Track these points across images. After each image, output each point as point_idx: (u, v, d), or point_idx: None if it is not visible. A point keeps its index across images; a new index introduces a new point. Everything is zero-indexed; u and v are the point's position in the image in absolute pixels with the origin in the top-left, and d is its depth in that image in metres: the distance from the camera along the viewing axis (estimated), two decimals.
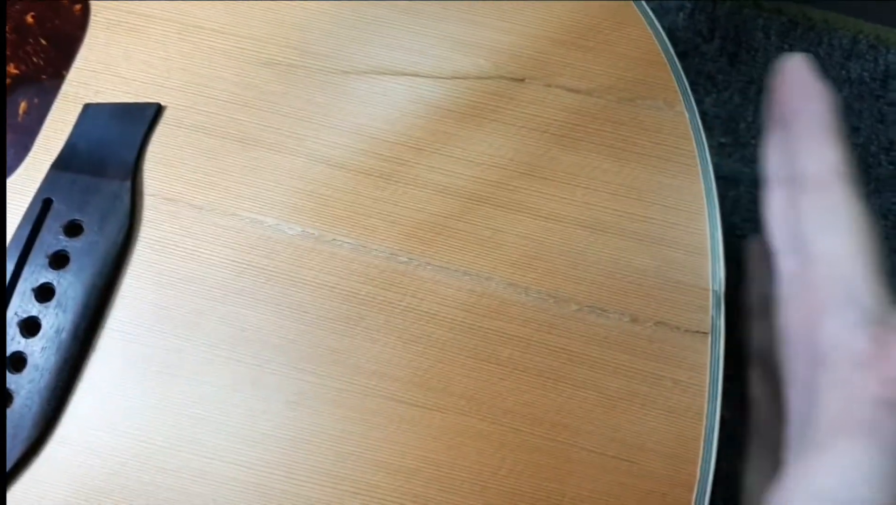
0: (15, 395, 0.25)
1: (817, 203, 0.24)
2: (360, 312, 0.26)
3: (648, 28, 0.30)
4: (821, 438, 0.21)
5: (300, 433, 0.24)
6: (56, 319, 0.25)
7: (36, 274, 0.26)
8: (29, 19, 0.31)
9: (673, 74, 0.29)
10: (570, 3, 0.30)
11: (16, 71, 0.30)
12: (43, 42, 0.30)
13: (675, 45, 0.30)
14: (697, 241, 0.27)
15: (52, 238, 0.27)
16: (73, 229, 0.27)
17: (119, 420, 0.25)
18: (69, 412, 0.25)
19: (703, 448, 0.24)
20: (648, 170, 0.27)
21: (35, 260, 0.26)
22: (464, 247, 0.27)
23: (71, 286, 0.26)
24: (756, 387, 0.28)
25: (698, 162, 0.28)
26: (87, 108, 0.29)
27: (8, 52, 0.30)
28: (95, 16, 0.31)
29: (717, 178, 0.36)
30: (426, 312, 0.26)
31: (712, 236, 0.27)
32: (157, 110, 0.29)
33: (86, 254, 0.26)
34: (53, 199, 0.27)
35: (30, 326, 0.26)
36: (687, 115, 0.28)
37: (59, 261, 0.26)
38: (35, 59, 0.30)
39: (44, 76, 0.30)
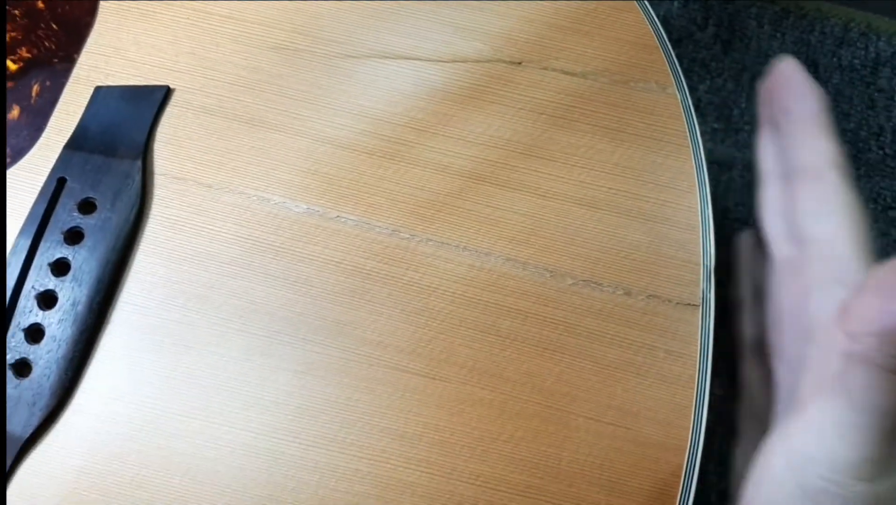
0: (34, 365, 0.26)
1: (811, 191, 0.25)
2: (365, 286, 0.27)
3: (642, 13, 0.31)
4: (801, 401, 0.22)
5: (308, 401, 0.25)
6: (72, 293, 0.26)
7: (52, 249, 0.27)
8: (40, 4, 0.32)
9: (665, 58, 0.30)
10: None
11: (28, 55, 0.31)
12: (54, 27, 0.31)
13: (669, 33, 0.31)
14: (688, 217, 0.28)
15: (66, 215, 0.27)
16: (86, 207, 0.28)
17: (133, 389, 0.26)
18: (85, 381, 0.26)
19: (694, 415, 0.25)
20: (642, 150, 0.28)
21: (51, 236, 0.27)
22: (464, 223, 0.28)
23: (86, 261, 0.27)
24: (749, 373, 0.29)
25: (689, 142, 0.29)
26: (98, 90, 0.30)
27: (20, 37, 0.31)
28: (105, 1, 0.31)
29: (711, 162, 0.37)
30: (428, 286, 0.27)
31: (703, 213, 0.28)
32: (166, 92, 0.30)
33: (99, 230, 0.27)
34: (67, 177, 0.28)
35: (47, 299, 0.27)
36: (679, 97, 0.29)
37: (73, 237, 0.27)
38: (47, 44, 0.31)
39: (55, 60, 0.31)
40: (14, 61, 0.31)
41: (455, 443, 0.25)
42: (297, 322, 0.26)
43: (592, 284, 0.27)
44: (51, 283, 0.27)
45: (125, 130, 0.29)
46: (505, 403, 0.25)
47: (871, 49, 0.46)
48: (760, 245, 0.27)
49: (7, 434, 0.25)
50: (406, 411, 0.25)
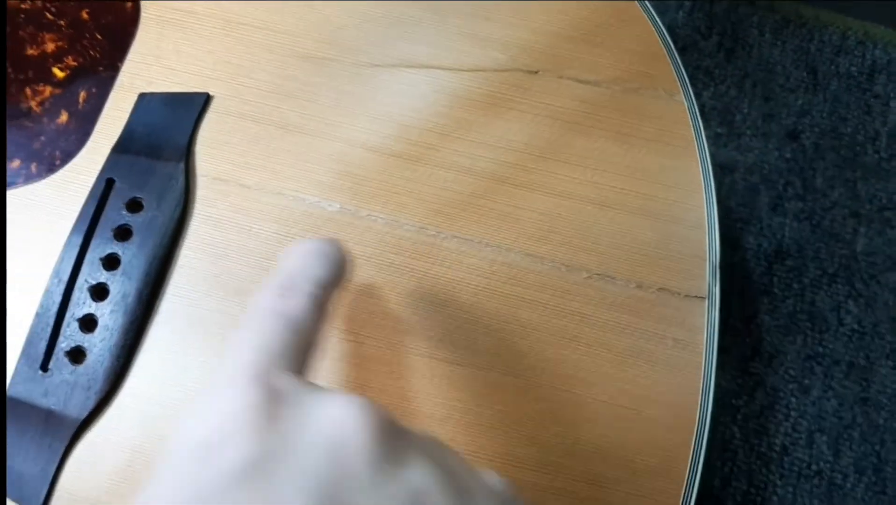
0: (88, 352, 0.28)
1: None
2: (394, 280, 0.29)
3: (650, 24, 0.33)
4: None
5: (344, 385, 0.27)
6: (122, 286, 0.28)
7: (103, 245, 0.29)
8: (84, 15, 0.34)
9: (673, 67, 0.32)
10: (578, 2, 0.33)
11: (74, 63, 0.33)
12: (98, 37, 0.33)
13: (674, 42, 0.33)
14: (696, 216, 0.30)
15: (115, 214, 0.29)
16: (134, 206, 0.30)
17: (180, 373, 0.28)
18: (136, 367, 0.28)
19: (701, 399, 0.27)
20: (651, 153, 0.31)
21: (101, 233, 0.29)
22: (485, 221, 0.30)
23: (135, 256, 0.29)
24: None
25: (696, 146, 0.31)
26: (142, 97, 0.32)
27: (66, 46, 0.33)
28: (145, 12, 0.33)
29: (714, 165, 0.39)
30: (453, 279, 0.29)
31: (709, 212, 0.30)
32: (206, 99, 0.32)
33: (147, 228, 0.29)
34: (115, 178, 0.30)
35: (99, 292, 0.29)
36: (686, 103, 0.31)
37: (122, 234, 0.29)
38: (91, 53, 0.33)
39: (100, 68, 0.33)
40: (61, 69, 0.33)
41: (480, 424, 0.27)
42: (331, 314, 0.28)
43: (606, 278, 0.29)
44: (102, 276, 0.29)
45: (168, 134, 0.31)
46: (525, 387, 0.27)
47: (868, 56, 0.48)
48: None
49: (64, 416, 0.27)
50: (434, 395, 0.27)
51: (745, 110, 0.47)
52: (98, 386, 0.28)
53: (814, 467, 0.39)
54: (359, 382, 0.27)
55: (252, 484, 0.16)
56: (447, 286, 0.29)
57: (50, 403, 0.27)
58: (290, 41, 0.33)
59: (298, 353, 0.20)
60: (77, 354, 0.28)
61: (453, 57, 0.32)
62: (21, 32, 0.33)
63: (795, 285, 0.42)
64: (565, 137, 0.31)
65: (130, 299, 0.28)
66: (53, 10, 0.34)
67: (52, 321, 0.28)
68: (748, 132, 0.46)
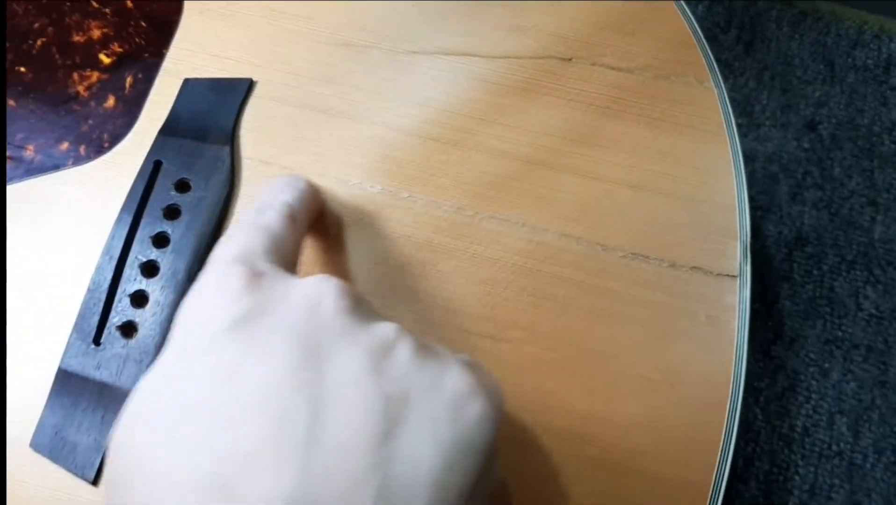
0: (139, 326, 0.29)
1: None
2: (434, 258, 0.30)
3: (680, 14, 0.34)
4: None
5: None
6: (172, 263, 0.29)
7: (153, 224, 0.30)
8: (129, 3, 0.35)
9: (702, 55, 0.33)
10: None
11: (120, 49, 0.34)
12: (143, 24, 0.34)
13: None
14: (726, 198, 0.31)
15: (164, 193, 0.30)
16: (182, 186, 0.31)
17: None
18: None
19: (734, 374, 0.28)
20: (682, 137, 0.31)
21: (151, 212, 0.30)
22: (522, 203, 0.31)
23: (184, 235, 0.30)
24: None
25: (726, 130, 0.32)
26: (187, 82, 0.33)
27: (111, 33, 0.34)
28: (189, 0, 0.34)
29: None
30: (490, 258, 0.30)
31: (739, 194, 0.31)
32: (249, 84, 0.33)
33: (195, 207, 0.30)
34: (163, 160, 0.31)
35: (150, 269, 0.30)
36: (715, 90, 0.32)
37: (171, 213, 0.30)
38: (137, 39, 0.34)
39: (146, 54, 0.34)
40: (107, 55, 0.34)
41: (520, 397, 0.28)
42: (375, 289, 0.29)
43: (640, 257, 0.30)
44: (153, 253, 0.30)
45: (214, 118, 0.32)
46: (563, 362, 0.28)
47: (884, 50, 0.49)
48: None
49: (117, 389, 0.28)
50: None
51: (765, 102, 0.48)
52: (149, 359, 0.28)
53: (834, 448, 0.40)
54: None
55: (239, 334, 0.19)
56: (485, 264, 0.30)
57: (103, 375, 0.28)
58: (330, 29, 0.33)
59: (277, 256, 0.23)
60: (128, 329, 0.29)
61: (489, 45, 0.33)
62: (67, 20, 0.34)
63: (815, 272, 0.43)
64: (598, 122, 0.32)
65: (180, 276, 0.29)
66: None
67: (103, 297, 0.29)
68: (767, 123, 0.47)
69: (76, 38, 0.34)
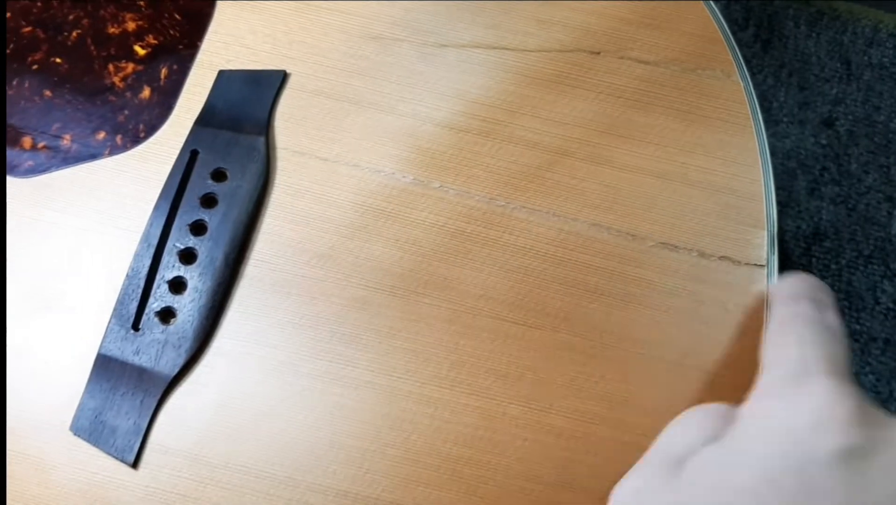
0: (178, 313, 0.29)
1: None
2: (466, 247, 0.30)
3: (706, 9, 0.34)
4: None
5: (421, 346, 0.29)
6: (210, 250, 0.30)
7: (190, 212, 0.31)
8: None
9: (728, 49, 0.33)
10: None
11: (154, 41, 0.35)
12: (177, 17, 0.35)
13: None
14: (753, 189, 0.31)
15: (201, 182, 0.31)
16: (218, 176, 0.31)
17: (265, 333, 0.29)
18: (223, 327, 0.29)
19: None
20: (710, 129, 0.32)
21: (188, 200, 0.31)
22: (553, 193, 0.31)
23: (221, 223, 0.30)
24: None
25: (752, 122, 0.32)
26: (222, 73, 0.33)
27: (146, 25, 0.35)
28: None
29: None
30: (522, 247, 0.30)
31: (766, 185, 0.31)
32: (283, 76, 0.33)
33: (231, 196, 0.31)
34: (199, 150, 0.32)
35: (187, 256, 0.30)
36: (742, 83, 0.33)
37: (208, 202, 0.31)
38: (171, 32, 0.35)
39: (180, 46, 0.34)
40: (142, 47, 0.34)
41: (551, 382, 0.29)
42: (408, 277, 0.30)
43: (670, 246, 0.30)
44: (190, 241, 0.30)
45: (248, 109, 0.32)
46: (595, 349, 0.29)
47: None
48: None
49: (155, 373, 0.29)
50: (507, 355, 0.29)
51: (782, 99, 0.48)
52: (188, 345, 0.29)
53: None
54: (434, 341, 0.29)
55: (851, 467, 0.18)
56: (517, 253, 0.30)
57: (142, 360, 0.29)
58: (362, 22, 0.34)
59: (846, 365, 0.22)
60: (167, 315, 0.29)
61: (518, 38, 0.34)
62: (102, 12, 0.35)
63: (833, 266, 0.44)
64: (627, 114, 0.32)
65: (218, 263, 0.30)
66: None
67: (142, 283, 0.30)
68: (785, 119, 0.48)
69: (111, 30, 0.35)
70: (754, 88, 0.49)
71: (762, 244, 0.30)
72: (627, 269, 0.30)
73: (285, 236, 0.31)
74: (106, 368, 0.29)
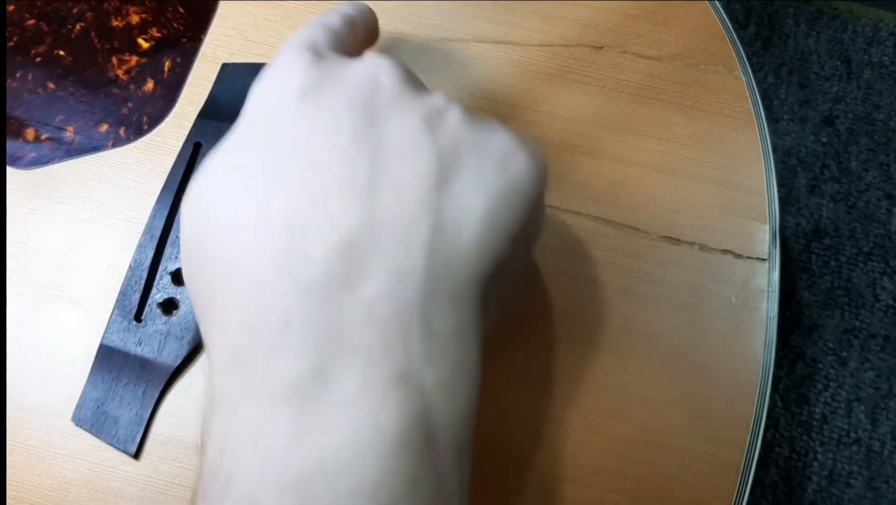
0: (180, 304, 0.29)
1: None
2: None
3: (709, 4, 0.34)
4: None
5: None
6: None
7: None
8: None
9: (731, 45, 0.34)
10: None
11: (158, 34, 0.35)
12: (181, 10, 0.35)
13: None
14: (755, 183, 0.31)
15: None
16: None
17: None
18: None
19: (764, 353, 0.29)
20: (712, 124, 0.32)
21: None
22: (556, 186, 0.31)
23: None
24: None
25: (755, 118, 0.32)
26: (226, 66, 0.33)
27: (150, 18, 0.35)
28: None
29: None
30: None
31: (768, 180, 0.31)
32: None
33: None
34: (203, 142, 0.32)
35: None
36: (744, 78, 0.33)
37: None
38: (175, 25, 0.35)
39: (184, 39, 0.34)
40: (146, 40, 0.34)
41: (554, 375, 0.29)
42: None
43: (672, 240, 0.30)
44: None
45: None
46: (597, 340, 0.29)
47: None
48: None
49: (158, 364, 0.29)
50: (509, 348, 0.29)
51: (783, 96, 0.48)
52: (190, 336, 0.29)
53: (853, 435, 0.40)
54: None
55: (307, 101, 0.21)
56: None
57: (144, 351, 0.29)
58: None
59: (339, 50, 0.24)
60: (169, 306, 0.29)
61: (522, 33, 0.34)
62: (106, 5, 0.35)
63: (833, 263, 0.44)
64: (630, 109, 0.32)
65: None
66: None
67: (145, 275, 0.30)
68: (785, 117, 0.48)
69: (115, 23, 0.35)
70: (755, 86, 0.49)
71: (764, 238, 0.30)
72: (630, 262, 0.30)
73: None
74: (108, 358, 0.29)
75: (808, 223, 0.45)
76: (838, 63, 0.49)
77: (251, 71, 0.33)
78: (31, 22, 0.35)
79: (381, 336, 0.18)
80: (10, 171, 0.32)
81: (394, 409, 0.18)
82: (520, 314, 0.29)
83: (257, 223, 0.19)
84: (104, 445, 0.28)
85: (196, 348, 0.29)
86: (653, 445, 0.28)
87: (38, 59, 0.34)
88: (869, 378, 0.42)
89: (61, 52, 0.34)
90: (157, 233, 0.30)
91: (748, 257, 0.30)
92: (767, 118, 0.48)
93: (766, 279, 0.30)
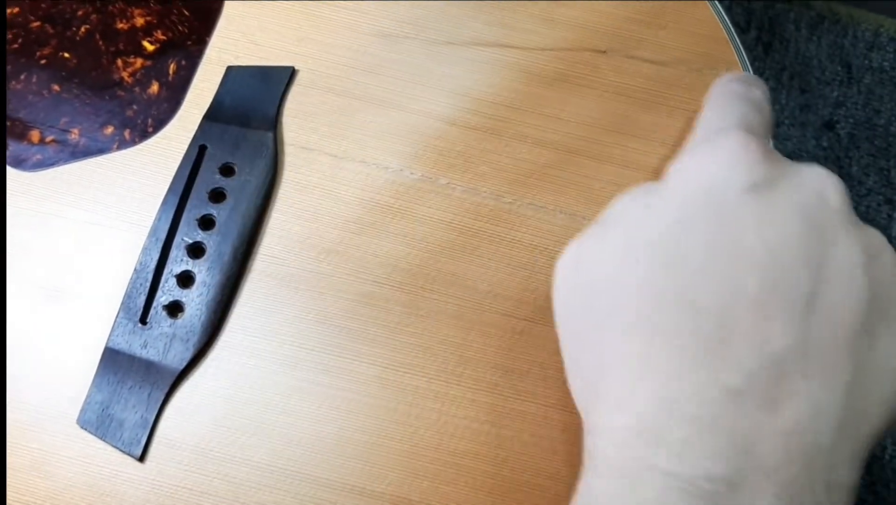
0: (186, 306, 0.29)
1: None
2: (473, 243, 0.31)
3: (712, 10, 0.34)
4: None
5: (428, 341, 0.29)
6: (218, 245, 0.30)
7: (198, 206, 0.31)
8: None
9: (734, 49, 0.34)
10: None
11: (163, 37, 0.35)
12: (185, 13, 0.35)
13: None
14: None
15: (210, 177, 0.31)
16: (227, 171, 0.31)
17: (272, 327, 0.29)
18: (231, 321, 0.29)
19: None
20: None
21: (197, 195, 0.31)
22: (560, 190, 0.31)
23: (229, 217, 0.30)
24: None
25: None
26: (230, 69, 0.33)
27: (154, 21, 0.35)
28: None
29: None
30: (529, 244, 0.31)
31: None
32: (291, 73, 0.33)
33: (240, 191, 0.31)
34: (208, 145, 0.32)
35: (196, 250, 0.30)
36: None
37: (217, 196, 0.31)
38: (180, 27, 0.35)
39: (188, 42, 0.34)
40: (151, 42, 0.34)
41: (558, 378, 0.29)
42: (416, 274, 0.30)
43: None
44: (199, 235, 0.30)
45: (257, 105, 0.33)
46: None
47: None
48: None
49: (163, 367, 0.29)
50: (514, 350, 0.29)
51: (783, 101, 0.49)
52: (196, 339, 0.29)
53: None
54: (441, 337, 0.29)
55: (755, 196, 0.20)
56: (524, 250, 0.30)
57: (149, 354, 0.29)
58: (370, 19, 0.34)
59: (767, 138, 0.24)
60: (175, 309, 0.30)
61: (525, 37, 0.34)
62: (111, 8, 0.35)
63: None
64: (634, 113, 0.33)
65: (227, 257, 0.30)
66: None
67: (150, 277, 0.30)
68: (786, 122, 0.48)
69: (120, 26, 0.35)
70: None
71: None
72: None
73: (293, 232, 0.31)
74: (113, 361, 0.29)
75: None
76: (839, 68, 0.49)
77: (256, 73, 0.33)
78: (36, 24, 0.35)
79: (794, 470, 0.18)
80: (15, 174, 0.32)
81: None
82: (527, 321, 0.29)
83: (691, 300, 0.19)
84: (109, 448, 0.28)
85: (201, 351, 0.29)
86: None
87: (43, 61, 0.34)
88: None
89: (66, 55, 0.34)
90: (163, 235, 0.30)
91: None
92: None
93: None
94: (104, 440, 0.28)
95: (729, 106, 0.25)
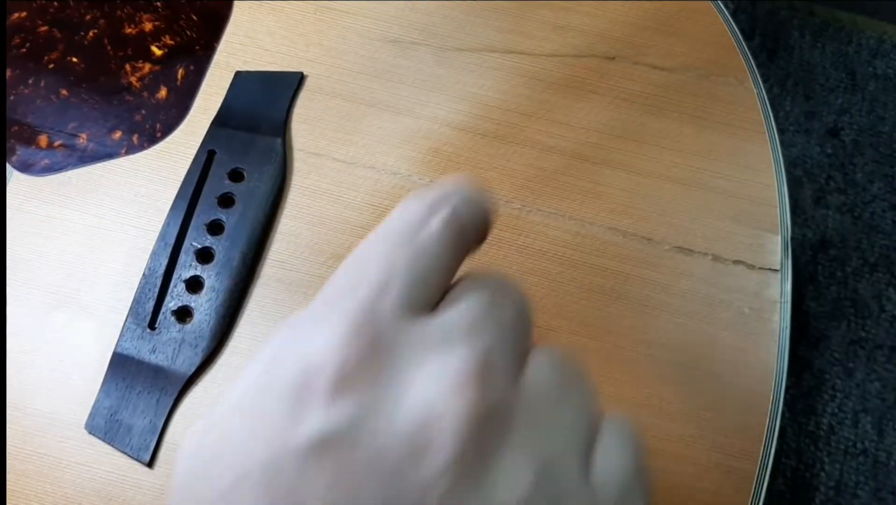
0: (195, 312, 0.29)
1: None
2: (482, 249, 0.30)
3: (719, 16, 0.35)
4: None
5: None
6: (227, 250, 0.30)
7: (207, 212, 0.31)
8: None
9: (742, 56, 0.34)
10: None
11: (171, 42, 0.35)
12: (194, 18, 0.35)
13: None
14: (767, 194, 0.31)
15: (218, 182, 0.31)
16: (236, 176, 0.31)
17: None
18: (240, 326, 0.29)
19: (776, 363, 0.29)
20: (724, 135, 0.32)
21: (206, 200, 0.31)
22: (569, 196, 0.31)
23: (238, 223, 0.30)
24: None
25: (765, 128, 0.32)
26: (239, 74, 0.33)
27: (163, 26, 0.35)
28: None
29: None
30: (538, 250, 0.31)
31: (780, 190, 0.31)
32: (300, 78, 0.33)
33: (248, 196, 0.31)
34: (217, 150, 0.32)
35: (204, 255, 0.30)
36: (755, 90, 0.33)
37: (226, 201, 0.31)
38: (188, 33, 0.35)
39: (197, 47, 0.34)
40: (159, 47, 0.34)
41: None
42: None
43: (685, 251, 0.30)
44: (207, 241, 0.30)
45: (265, 110, 0.33)
46: (610, 351, 0.29)
47: None
48: None
49: (172, 372, 0.29)
50: None
51: (788, 108, 0.49)
52: (204, 344, 0.29)
53: (859, 446, 0.40)
54: None
55: (329, 459, 0.14)
56: (533, 256, 0.30)
57: (158, 359, 0.29)
58: (379, 26, 0.34)
59: (423, 291, 0.17)
60: (184, 314, 0.29)
61: (534, 43, 0.34)
62: (119, 13, 0.35)
63: (839, 274, 0.44)
64: (642, 119, 0.33)
65: (235, 263, 0.30)
66: None
67: (159, 282, 0.30)
68: (791, 128, 0.48)
69: (128, 31, 0.35)
70: None
71: (776, 249, 0.31)
72: (643, 272, 0.30)
73: (302, 237, 0.31)
74: (122, 366, 0.29)
75: (814, 234, 0.45)
76: (843, 75, 0.49)
77: (265, 79, 0.33)
78: (44, 28, 0.35)
79: None
80: (23, 178, 0.32)
81: None
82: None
83: None
84: (118, 454, 0.28)
85: (210, 356, 0.29)
86: (666, 454, 0.28)
87: (51, 66, 0.34)
88: (875, 389, 0.42)
89: (74, 59, 0.34)
90: (171, 241, 0.30)
91: (760, 268, 0.30)
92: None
93: (779, 290, 0.30)
94: (113, 446, 0.28)
95: (375, 258, 0.17)
